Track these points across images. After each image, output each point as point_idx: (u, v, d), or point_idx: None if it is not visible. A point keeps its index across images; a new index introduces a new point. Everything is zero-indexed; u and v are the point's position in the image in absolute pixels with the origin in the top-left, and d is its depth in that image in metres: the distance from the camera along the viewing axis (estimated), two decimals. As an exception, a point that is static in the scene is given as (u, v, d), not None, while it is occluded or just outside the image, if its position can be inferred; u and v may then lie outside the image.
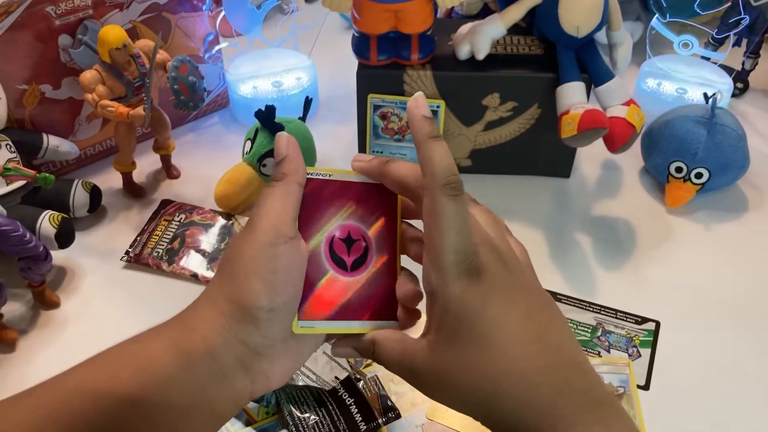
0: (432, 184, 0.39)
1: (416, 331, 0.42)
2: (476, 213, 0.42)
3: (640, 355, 0.69)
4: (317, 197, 0.45)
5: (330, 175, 0.45)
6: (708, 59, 1.01)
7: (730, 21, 0.99)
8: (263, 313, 0.39)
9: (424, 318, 0.42)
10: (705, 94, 0.88)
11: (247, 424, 0.60)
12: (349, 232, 0.45)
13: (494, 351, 0.37)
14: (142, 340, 0.41)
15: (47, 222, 0.73)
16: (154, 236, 0.80)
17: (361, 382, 0.61)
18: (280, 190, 0.42)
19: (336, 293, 0.45)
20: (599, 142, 0.77)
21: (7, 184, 0.75)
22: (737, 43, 1.02)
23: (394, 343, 0.42)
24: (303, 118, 0.87)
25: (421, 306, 0.43)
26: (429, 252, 0.39)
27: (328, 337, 0.48)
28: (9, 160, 0.76)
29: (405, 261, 0.46)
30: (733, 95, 1.03)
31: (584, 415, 0.37)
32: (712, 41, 1.03)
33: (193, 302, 0.42)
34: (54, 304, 0.73)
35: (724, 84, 0.97)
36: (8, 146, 0.77)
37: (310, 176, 0.45)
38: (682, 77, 0.99)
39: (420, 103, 0.41)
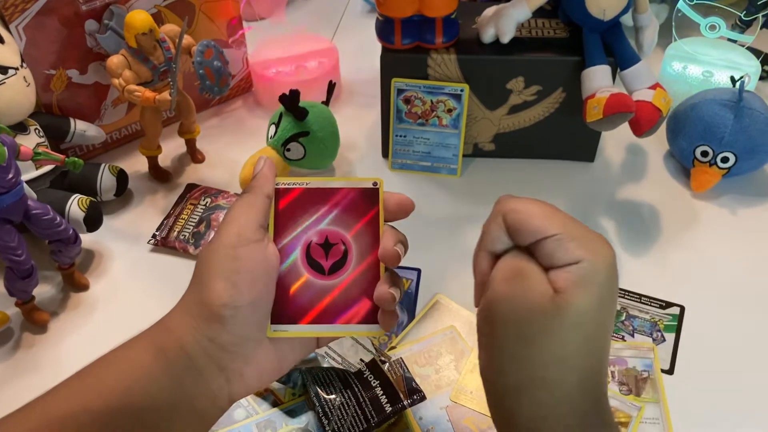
0: None
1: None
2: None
3: (664, 340, 0.69)
4: (293, 206, 0.47)
5: (307, 184, 0.47)
6: (735, 42, 1.00)
7: (758, 2, 0.98)
8: (227, 310, 0.42)
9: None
10: (732, 78, 0.87)
11: (274, 405, 0.61)
12: (327, 236, 0.47)
13: None
14: (125, 346, 0.44)
15: (76, 206, 0.74)
16: (180, 220, 0.80)
17: (386, 364, 0.62)
18: (247, 200, 0.46)
19: (312, 297, 0.46)
20: (624, 126, 0.76)
21: (36, 168, 0.76)
22: (765, 25, 1.00)
23: None
24: (327, 103, 0.87)
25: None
26: None
27: (320, 342, 0.49)
28: (38, 145, 0.76)
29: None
30: (761, 78, 1.01)
31: None
32: (739, 23, 1.02)
33: (171, 309, 0.45)
34: (83, 287, 0.74)
35: (751, 67, 0.96)
36: (37, 131, 0.78)
37: (286, 186, 0.47)
38: (708, 60, 0.97)
39: None
